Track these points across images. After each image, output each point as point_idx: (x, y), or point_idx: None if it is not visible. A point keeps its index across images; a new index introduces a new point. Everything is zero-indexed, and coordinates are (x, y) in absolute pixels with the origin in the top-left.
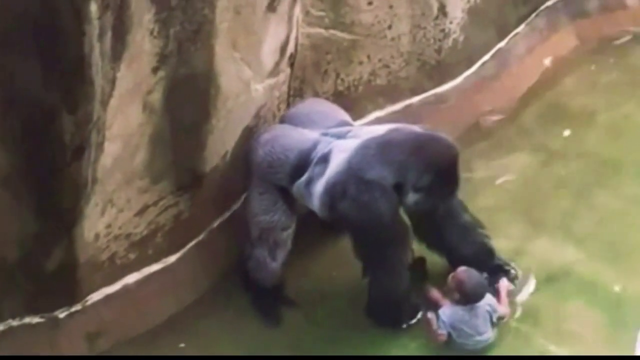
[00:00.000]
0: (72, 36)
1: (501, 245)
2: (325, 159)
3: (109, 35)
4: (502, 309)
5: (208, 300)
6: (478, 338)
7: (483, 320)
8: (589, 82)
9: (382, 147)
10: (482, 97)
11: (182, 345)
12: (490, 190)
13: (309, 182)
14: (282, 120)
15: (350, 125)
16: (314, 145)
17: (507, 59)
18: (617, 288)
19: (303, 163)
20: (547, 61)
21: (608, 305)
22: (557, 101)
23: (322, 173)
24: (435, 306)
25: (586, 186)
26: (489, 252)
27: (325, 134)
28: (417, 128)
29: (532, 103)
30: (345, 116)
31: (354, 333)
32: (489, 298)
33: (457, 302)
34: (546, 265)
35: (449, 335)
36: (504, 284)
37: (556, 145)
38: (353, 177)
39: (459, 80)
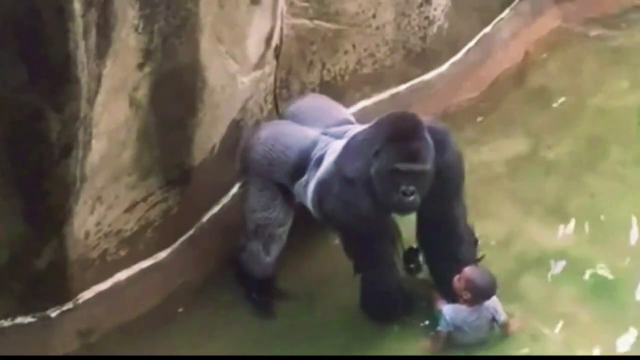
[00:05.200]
0: (56, 34)
1: (493, 229)
2: (320, 161)
3: (93, 32)
4: (506, 317)
5: (200, 294)
6: (476, 338)
7: (485, 322)
8: (574, 65)
9: (358, 141)
10: (469, 83)
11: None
12: (480, 174)
13: (307, 183)
14: (283, 117)
15: (351, 123)
16: (313, 145)
17: (492, 44)
18: (609, 269)
19: (303, 163)
20: (533, 45)
21: (601, 286)
22: (543, 85)
23: (316, 174)
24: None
25: (575, 168)
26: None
27: (325, 133)
28: (397, 111)
29: (519, 87)
30: (346, 114)
31: (348, 325)
32: (494, 301)
33: (467, 302)
34: (538, 248)
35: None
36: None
37: (544, 128)
38: (337, 175)
39: (444, 67)
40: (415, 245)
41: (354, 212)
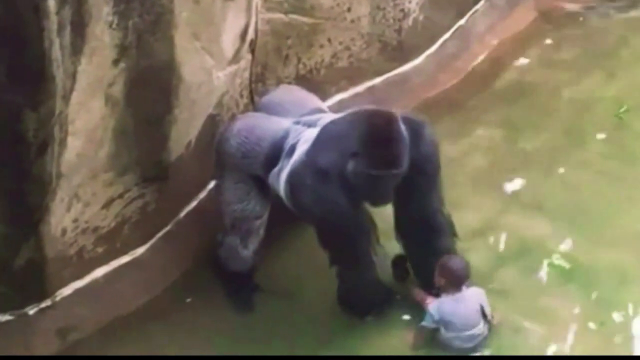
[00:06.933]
0: (31, 32)
1: (471, 220)
2: (293, 150)
3: (68, 29)
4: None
5: (178, 290)
6: (468, 332)
7: (474, 312)
8: (550, 57)
9: (332, 133)
10: (445, 75)
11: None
12: (458, 166)
13: (280, 172)
14: (256, 109)
15: (324, 112)
16: (286, 134)
17: (468, 36)
18: (589, 260)
19: (276, 153)
20: (508, 37)
21: (580, 278)
22: (519, 76)
23: (288, 163)
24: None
25: (553, 160)
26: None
27: (297, 123)
28: (374, 108)
29: (496, 79)
30: (318, 103)
31: (328, 320)
32: (480, 292)
33: (446, 290)
34: (517, 240)
35: (437, 329)
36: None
37: (521, 120)
38: (310, 167)
39: (420, 59)
40: (402, 253)
41: (328, 205)
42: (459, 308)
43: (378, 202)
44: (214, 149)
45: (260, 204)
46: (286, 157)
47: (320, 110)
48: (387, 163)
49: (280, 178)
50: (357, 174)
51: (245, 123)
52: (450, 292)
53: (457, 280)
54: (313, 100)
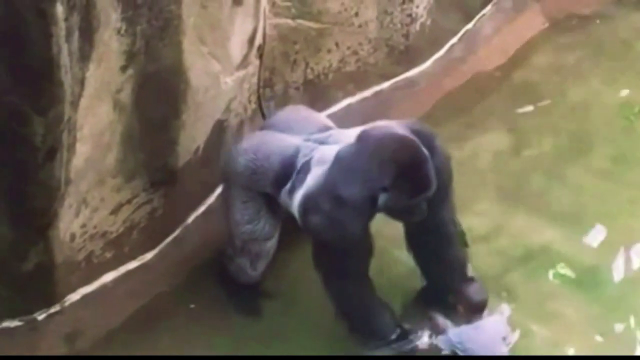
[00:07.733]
0: (39, 38)
1: (477, 224)
2: (306, 168)
3: (76, 35)
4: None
5: (185, 295)
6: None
7: (497, 342)
8: (556, 60)
9: (352, 159)
10: (452, 80)
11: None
12: (464, 170)
13: (292, 190)
14: (263, 128)
15: (331, 128)
16: (296, 152)
17: (475, 40)
18: (595, 264)
19: (287, 170)
20: (515, 41)
21: (587, 281)
22: (525, 80)
23: (302, 183)
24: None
25: (559, 163)
26: (459, 273)
27: (307, 140)
28: (387, 127)
29: (501, 83)
30: (326, 121)
31: (328, 321)
32: (501, 320)
33: (463, 317)
34: (523, 244)
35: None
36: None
37: (527, 124)
38: (328, 193)
39: (428, 64)
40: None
41: (343, 233)
42: (479, 335)
43: (415, 220)
44: (221, 170)
45: (270, 223)
46: (299, 175)
47: (328, 128)
48: (421, 189)
49: (294, 198)
50: (392, 206)
51: (254, 141)
52: (469, 319)
53: (475, 308)
54: (319, 119)
